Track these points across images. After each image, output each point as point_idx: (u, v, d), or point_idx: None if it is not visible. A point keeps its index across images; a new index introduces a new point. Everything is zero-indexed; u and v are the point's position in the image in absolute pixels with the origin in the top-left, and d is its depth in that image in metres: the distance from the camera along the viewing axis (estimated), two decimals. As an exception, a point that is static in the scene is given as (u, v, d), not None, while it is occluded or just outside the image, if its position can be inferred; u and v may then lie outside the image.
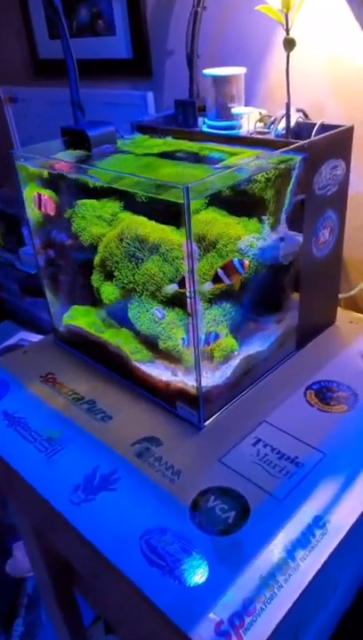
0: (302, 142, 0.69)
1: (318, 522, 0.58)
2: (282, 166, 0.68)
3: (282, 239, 0.79)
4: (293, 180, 0.71)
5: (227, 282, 0.68)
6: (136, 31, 1.07)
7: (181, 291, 0.67)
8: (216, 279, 0.68)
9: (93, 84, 0.84)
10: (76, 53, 0.81)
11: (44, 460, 0.71)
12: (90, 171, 0.75)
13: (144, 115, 1.13)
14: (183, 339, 0.70)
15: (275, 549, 0.56)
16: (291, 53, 0.73)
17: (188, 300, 0.64)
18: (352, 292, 0.96)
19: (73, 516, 0.62)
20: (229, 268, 0.67)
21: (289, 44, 0.73)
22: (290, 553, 0.55)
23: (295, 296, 0.84)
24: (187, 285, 0.63)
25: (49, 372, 0.88)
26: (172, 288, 0.70)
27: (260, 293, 0.78)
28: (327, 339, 0.90)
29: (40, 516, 0.72)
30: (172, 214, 0.69)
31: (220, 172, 0.67)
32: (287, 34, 0.72)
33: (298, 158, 0.69)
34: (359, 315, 0.96)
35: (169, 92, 1.11)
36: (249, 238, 0.71)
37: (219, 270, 0.67)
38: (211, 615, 0.50)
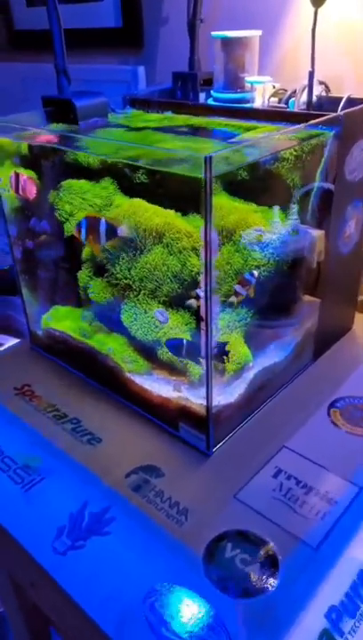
0: (336, 114, 0.58)
1: (366, 579, 0.47)
2: (313, 142, 0.57)
3: (296, 232, 0.68)
4: (324, 160, 0.59)
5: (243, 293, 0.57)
6: (127, -6, 0.94)
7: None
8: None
9: (75, 59, 0.73)
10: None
11: (20, 493, 0.58)
12: (81, 141, 0.62)
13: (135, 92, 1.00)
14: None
15: (315, 618, 0.44)
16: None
17: (201, 300, 0.52)
18: (371, 294, 0.85)
19: (57, 569, 0.50)
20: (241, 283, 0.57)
21: (318, -1, 0.61)
22: (335, 623, 0.44)
23: (310, 299, 0.73)
24: (201, 283, 0.51)
25: (25, 383, 0.75)
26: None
27: (274, 296, 0.66)
28: (346, 346, 0.79)
29: (18, 567, 0.59)
30: (179, 197, 0.57)
31: (246, 143, 0.55)
32: (316, -13, 0.61)
33: (331, 133, 0.58)
34: (377, 319, 0.86)
35: (163, 66, 0.98)
36: (269, 229, 0.59)
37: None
38: None
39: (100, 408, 0.69)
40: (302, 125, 0.56)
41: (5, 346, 0.97)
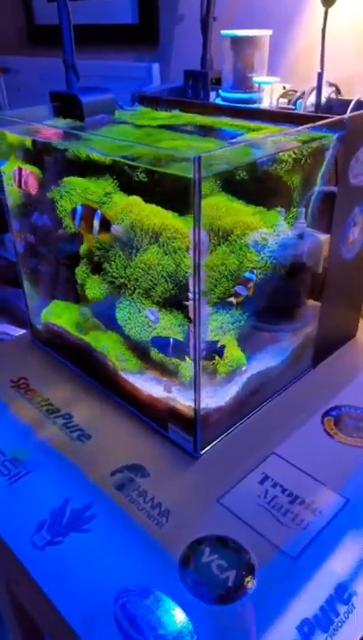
0: (340, 117, 0.56)
1: (342, 593, 0.46)
2: (314, 144, 0.56)
3: (301, 236, 0.67)
4: (326, 164, 0.58)
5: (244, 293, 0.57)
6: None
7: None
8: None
9: (90, 55, 0.72)
10: (72, 18, 0.68)
11: (4, 486, 0.58)
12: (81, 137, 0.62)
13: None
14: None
15: (286, 630, 0.43)
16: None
17: (190, 302, 0.51)
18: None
19: (34, 564, 0.50)
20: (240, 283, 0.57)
21: (328, -1, 0.60)
22: (306, 636, 0.43)
23: (310, 304, 0.72)
24: (190, 284, 0.50)
25: (22, 376, 0.75)
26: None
27: (273, 299, 0.65)
28: (348, 354, 0.77)
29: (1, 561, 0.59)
30: (175, 196, 0.56)
31: (240, 144, 0.55)
32: (327, -14, 0.60)
33: (334, 136, 0.57)
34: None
35: (177, 63, 0.98)
36: (268, 231, 0.58)
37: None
38: None
39: (94, 405, 0.69)
40: (302, 127, 0.55)
41: (14, 337, 0.98)
